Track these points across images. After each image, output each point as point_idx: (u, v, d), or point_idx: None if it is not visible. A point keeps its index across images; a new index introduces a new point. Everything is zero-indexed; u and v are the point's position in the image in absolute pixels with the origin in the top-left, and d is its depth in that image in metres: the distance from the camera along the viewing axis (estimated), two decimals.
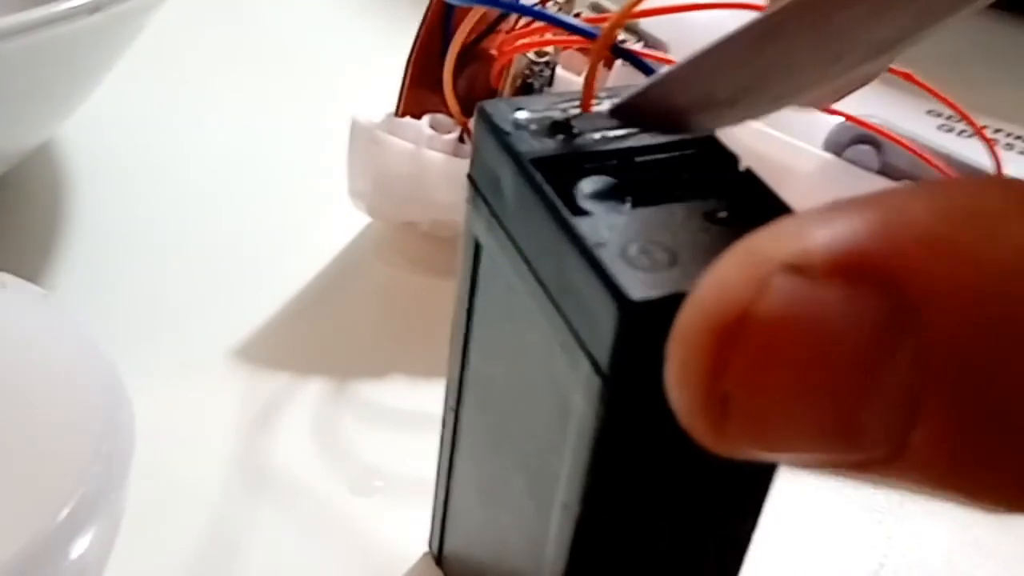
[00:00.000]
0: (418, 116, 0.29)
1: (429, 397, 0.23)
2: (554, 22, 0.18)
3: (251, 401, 0.27)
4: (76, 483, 0.17)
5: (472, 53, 0.30)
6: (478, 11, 0.28)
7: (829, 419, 0.11)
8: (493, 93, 0.29)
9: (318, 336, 0.29)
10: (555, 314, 0.16)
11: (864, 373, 0.10)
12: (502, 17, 0.30)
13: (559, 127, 0.17)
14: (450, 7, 0.29)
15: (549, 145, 0.17)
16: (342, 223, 0.32)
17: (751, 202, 0.16)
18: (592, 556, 0.17)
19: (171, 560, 0.23)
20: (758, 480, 0.17)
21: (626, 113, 0.17)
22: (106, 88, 0.31)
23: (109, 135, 0.35)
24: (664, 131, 0.17)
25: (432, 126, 0.29)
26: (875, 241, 0.11)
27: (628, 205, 0.16)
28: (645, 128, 0.17)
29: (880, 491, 0.27)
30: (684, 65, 0.16)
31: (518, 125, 0.17)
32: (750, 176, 0.17)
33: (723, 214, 0.16)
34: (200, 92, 0.39)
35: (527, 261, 0.17)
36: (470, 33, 0.28)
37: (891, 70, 0.26)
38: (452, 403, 0.21)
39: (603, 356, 0.15)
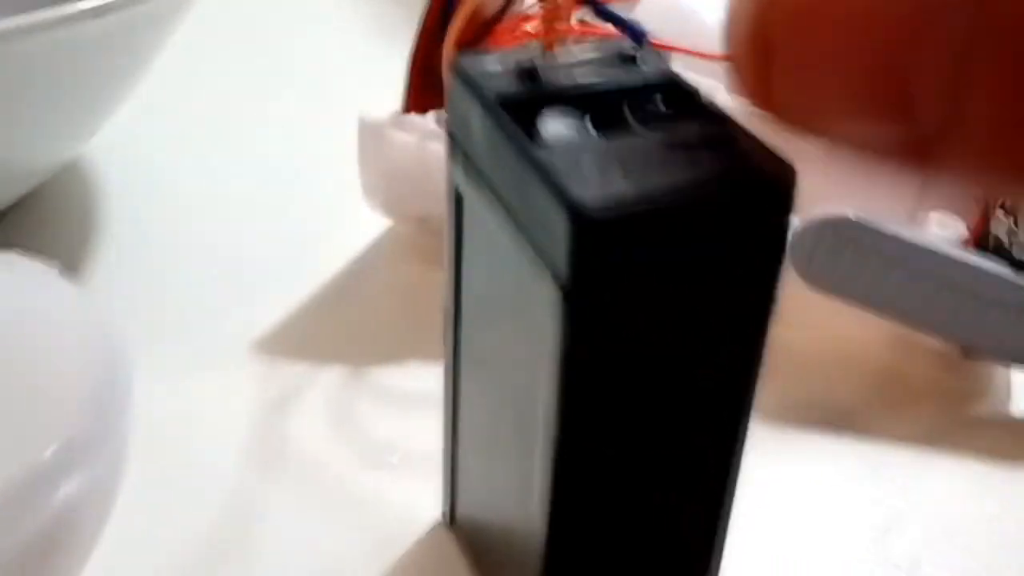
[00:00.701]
0: (423, 114, 0.30)
1: (442, 381, 0.24)
2: None
3: (271, 386, 0.28)
4: (64, 426, 0.18)
5: (474, 48, 0.31)
6: (471, 5, 0.29)
7: (879, 72, 0.10)
8: None
9: (335, 328, 0.30)
10: (524, 243, 0.17)
11: (916, 22, 0.09)
12: (501, 14, 0.31)
13: (524, 73, 0.18)
14: (448, 7, 0.30)
15: (514, 87, 0.17)
16: (360, 224, 0.33)
17: (712, 129, 0.17)
18: (576, 487, 0.18)
19: (194, 530, 0.24)
20: (736, 400, 0.18)
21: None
22: (131, 105, 0.33)
23: (137, 149, 0.37)
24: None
25: (437, 122, 0.30)
26: None
27: (588, 135, 0.17)
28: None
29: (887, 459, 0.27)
30: None
31: (487, 74, 0.18)
32: (711, 107, 0.17)
33: (682, 139, 0.16)
34: (222, 105, 0.41)
35: (498, 197, 0.17)
36: (469, 34, 0.30)
37: None
38: (450, 363, 0.22)
39: (562, 270, 0.15)
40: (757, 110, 0.11)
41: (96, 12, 0.24)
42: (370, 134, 0.30)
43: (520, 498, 0.20)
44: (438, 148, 0.30)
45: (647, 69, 0.18)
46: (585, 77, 0.18)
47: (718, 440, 0.18)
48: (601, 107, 0.17)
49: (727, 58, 0.11)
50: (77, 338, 0.20)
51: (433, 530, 0.25)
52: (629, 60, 0.18)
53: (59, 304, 0.21)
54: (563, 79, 0.18)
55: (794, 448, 0.27)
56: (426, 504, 0.25)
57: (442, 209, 0.31)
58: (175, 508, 0.24)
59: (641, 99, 0.17)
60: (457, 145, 0.19)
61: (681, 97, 0.18)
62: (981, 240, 0.29)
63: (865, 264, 0.27)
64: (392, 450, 0.27)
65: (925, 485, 0.27)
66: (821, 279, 0.28)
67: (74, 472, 0.18)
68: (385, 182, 0.30)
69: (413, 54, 0.31)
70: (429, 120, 0.30)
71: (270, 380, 0.28)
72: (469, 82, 0.18)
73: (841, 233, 0.27)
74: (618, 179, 0.15)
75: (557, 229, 0.15)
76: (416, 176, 0.30)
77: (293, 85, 0.42)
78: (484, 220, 0.18)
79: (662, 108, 0.17)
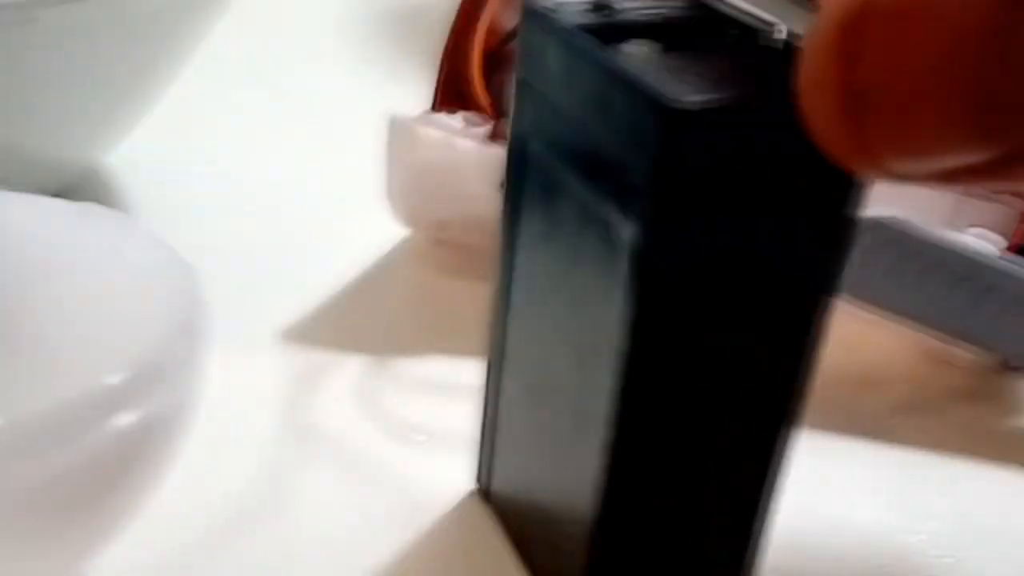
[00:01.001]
0: (451, 113, 0.31)
1: (464, 373, 0.25)
2: None
3: (300, 371, 0.28)
4: (152, 351, 0.19)
5: (502, 56, 0.32)
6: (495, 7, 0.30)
7: (970, 97, 0.10)
8: None
9: (359, 322, 0.31)
10: (599, 163, 0.17)
11: (996, 39, 0.10)
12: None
13: (599, 7, 0.18)
14: (475, 14, 0.31)
15: (591, 19, 0.18)
16: (381, 231, 0.34)
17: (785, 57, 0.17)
18: (631, 462, 0.18)
19: (229, 499, 0.24)
20: (789, 382, 0.18)
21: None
22: (160, 115, 0.34)
23: (163, 154, 0.38)
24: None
25: (465, 121, 0.31)
26: None
27: (664, 56, 0.17)
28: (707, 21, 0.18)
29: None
30: None
31: (560, 9, 0.19)
32: (786, 44, 0.18)
33: (759, 61, 0.17)
34: (248, 114, 0.42)
35: (572, 126, 0.18)
36: (496, 37, 0.31)
37: None
38: (497, 335, 0.22)
39: (649, 168, 0.16)
40: (848, 162, 0.11)
41: None
42: (400, 130, 0.30)
43: (568, 473, 0.20)
44: (464, 143, 0.30)
45: (721, 7, 0.19)
46: (657, 12, 0.18)
47: (769, 423, 0.19)
48: (676, 37, 0.18)
49: (807, 123, 0.11)
50: (158, 274, 0.21)
51: (465, 500, 0.24)
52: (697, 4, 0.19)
53: (140, 245, 0.22)
54: (636, 14, 0.18)
55: (825, 451, 0.27)
56: (456, 478, 0.25)
57: (465, 210, 0.32)
58: (215, 472, 0.24)
59: (716, 33, 0.18)
60: (527, 89, 0.19)
61: (747, 34, 0.18)
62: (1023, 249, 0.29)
63: (904, 269, 0.27)
64: (417, 430, 0.27)
65: (958, 492, 0.27)
66: (858, 284, 0.26)
67: (155, 392, 0.19)
68: (410, 179, 0.31)
69: (442, 57, 0.31)
70: (456, 119, 0.31)
71: (299, 365, 0.29)
72: (543, 18, 0.19)
73: (880, 234, 0.26)
74: (697, 85, 0.16)
75: (647, 129, 0.16)
76: (441, 172, 0.30)
77: (319, 98, 0.44)
78: (550, 168, 0.19)
79: (730, 42, 0.18)
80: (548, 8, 0.19)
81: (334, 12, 0.51)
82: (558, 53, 0.18)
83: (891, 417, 0.29)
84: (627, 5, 0.19)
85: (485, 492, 0.24)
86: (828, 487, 0.26)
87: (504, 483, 0.24)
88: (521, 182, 0.21)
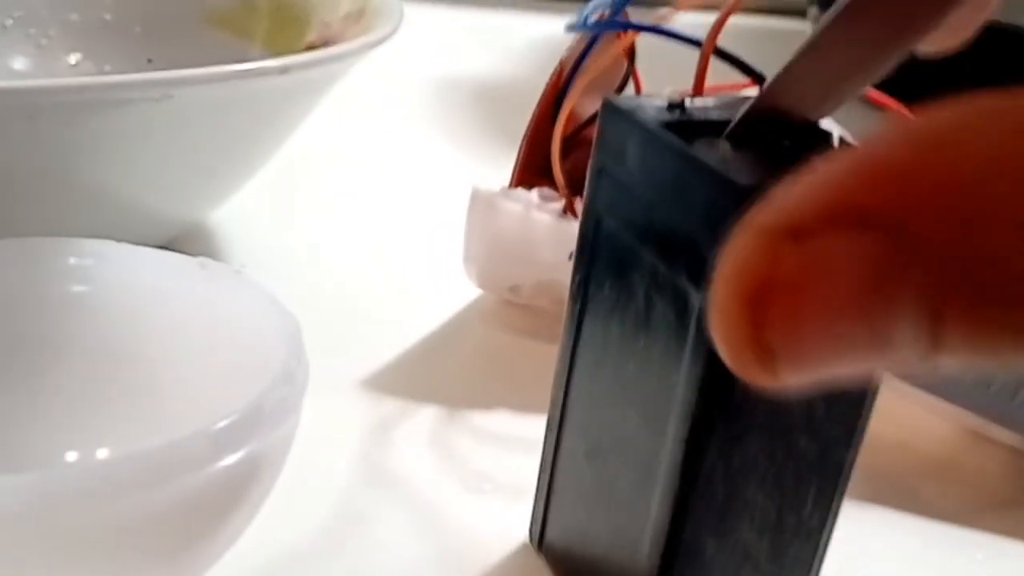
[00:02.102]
0: (529, 189, 0.34)
1: (531, 427, 0.27)
2: (662, 33, 0.23)
3: (374, 418, 0.31)
4: (245, 398, 0.21)
5: (576, 140, 0.34)
6: (577, 96, 0.33)
7: (864, 342, 0.12)
8: None
9: (431, 376, 0.33)
10: (672, 238, 0.20)
11: (882, 298, 0.12)
12: (592, 119, 0.35)
13: (674, 107, 0.21)
14: (560, 100, 0.34)
15: (667, 116, 0.21)
16: (454, 293, 0.37)
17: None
18: (693, 521, 0.20)
19: (303, 536, 0.27)
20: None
21: (749, 120, 0.20)
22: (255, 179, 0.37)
23: (262, 212, 0.41)
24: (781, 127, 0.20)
25: (541, 198, 0.34)
26: (852, 186, 0.12)
27: (729, 149, 0.20)
28: (769, 129, 0.20)
29: None
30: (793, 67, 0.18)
31: (640, 108, 0.21)
32: (843, 141, 0.20)
33: (815, 154, 0.19)
34: (343, 179, 0.47)
35: (648, 208, 0.20)
36: (574, 123, 0.33)
37: None
38: (559, 392, 0.24)
39: (719, 241, 0.18)
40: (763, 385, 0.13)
41: (282, 69, 0.28)
42: (481, 201, 0.33)
43: (628, 527, 0.22)
44: (539, 216, 0.33)
45: None
46: (727, 113, 0.21)
47: (828, 484, 0.21)
48: (746, 138, 0.20)
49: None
50: (264, 325, 0.23)
51: (520, 550, 0.27)
52: None
53: (248, 297, 0.24)
54: (708, 114, 0.21)
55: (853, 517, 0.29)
56: (514, 526, 0.27)
57: (538, 276, 0.35)
58: (293, 508, 0.26)
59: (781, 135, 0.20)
60: (603, 177, 0.22)
61: (815, 134, 0.20)
62: None
63: None
64: (485, 478, 0.29)
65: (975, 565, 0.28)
66: None
67: (256, 436, 0.21)
68: (487, 247, 0.34)
69: (525, 139, 0.34)
70: (533, 194, 0.34)
71: (374, 413, 0.31)
72: (624, 114, 0.21)
73: None
74: (761, 170, 0.18)
75: (719, 203, 0.18)
76: (517, 240, 0.33)
77: (410, 168, 0.49)
78: (622, 237, 0.21)
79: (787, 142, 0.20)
80: (629, 106, 0.21)
81: (429, 92, 0.57)
82: (638, 145, 0.21)
83: (922, 486, 0.31)
84: (698, 104, 0.21)
85: (539, 543, 0.26)
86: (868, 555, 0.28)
87: (558, 535, 0.26)
88: (593, 254, 0.23)
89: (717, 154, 0.19)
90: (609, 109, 0.22)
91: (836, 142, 0.20)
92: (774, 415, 0.20)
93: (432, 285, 0.38)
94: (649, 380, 0.21)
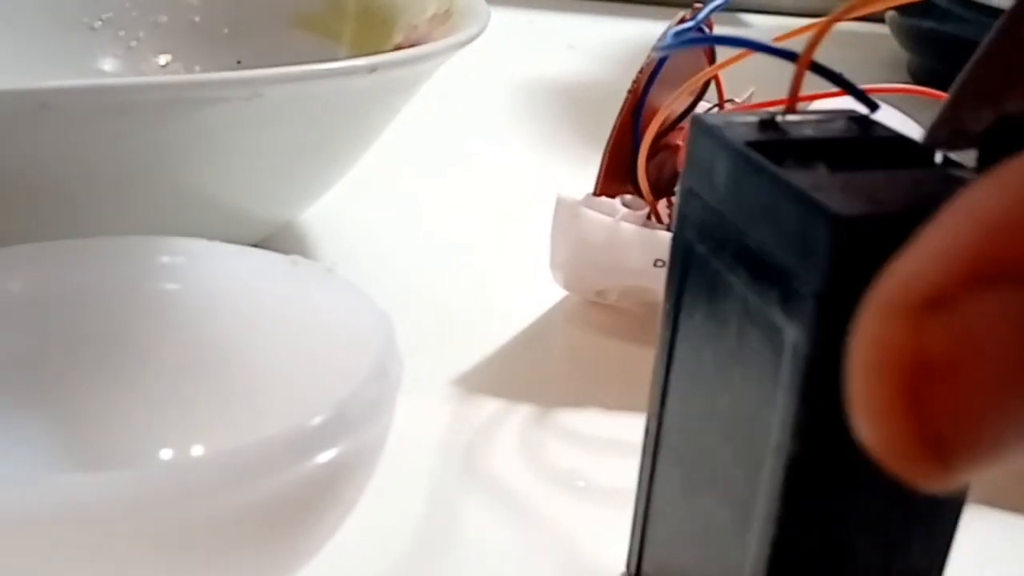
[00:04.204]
0: (612, 197, 0.34)
1: (624, 427, 0.27)
2: (755, 47, 0.22)
3: (467, 418, 0.32)
4: (339, 395, 0.21)
5: (659, 145, 0.34)
6: (664, 111, 0.33)
7: None
8: (677, 177, 0.33)
9: (521, 375, 0.34)
10: (764, 268, 0.19)
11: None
12: (685, 115, 0.35)
13: (766, 124, 0.21)
14: (640, 108, 0.34)
15: (759, 135, 0.20)
16: (540, 293, 0.38)
17: (945, 178, 0.19)
18: (797, 547, 0.19)
19: (394, 540, 0.27)
20: None
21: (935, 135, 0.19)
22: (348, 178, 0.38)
23: (354, 211, 0.43)
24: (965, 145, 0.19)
25: (625, 204, 0.34)
26: (981, 241, 0.11)
27: (825, 172, 0.19)
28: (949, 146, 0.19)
29: None
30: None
31: (729, 126, 0.21)
32: (946, 161, 0.19)
33: (917, 177, 0.19)
34: (434, 182, 0.48)
35: (738, 233, 0.20)
36: (658, 128, 0.33)
37: None
38: (653, 420, 0.24)
39: (816, 276, 0.17)
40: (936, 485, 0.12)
41: (370, 68, 0.28)
42: (566, 210, 0.33)
43: (725, 564, 0.21)
44: (625, 226, 0.33)
45: (879, 128, 0.21)
46: (821, 131, 0.21)
47: (936, 528, 0.20)
48: (841, 155, 0.20)
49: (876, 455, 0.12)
50: (358, 323, 0.24)
51: None
52: (860, 121, 0.21)
53: (341, 295, 0.25)
54: (801, 132, 0.20)
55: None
56: (612, 552, 0.26)
57: (623, 283, 0.35)
58: (386, 508, 0.27)
59: (878, 152, 0.20)
60: (693, 198, 0.21)
61: (915, 150, 0.20)
62: None
63: None
64: (579, 476, 0.29)
65: None
66: None
67: (350, 433, 0.21)
68: (573, 254, 0.34)
69: (608, 147, 0.34)
70: (617, 203, 0.34)
71: (467, 413, 0.32)
72: (713, 133, 0.21)
73: None
74: (861, 198, 0.17)
75: (815, 239, 0.17)
76: (602, 249, 0.33)
77: (500, 172, 0.50)
78: (713, 264, 0.21)
79: (886, 158, 0.20)
80: (718, 124, 0.21)
81: (520, 95, 0.58)
82: (727, 165, 0.20)
83: None
84: (792, 121, 0.21)
85: (636, 574, 0.25)
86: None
87: (655, 568, 0.25)
88: (684, 277, 0.22)
89: (812, 178, 0.18)
90: (698, 127, 0.21)
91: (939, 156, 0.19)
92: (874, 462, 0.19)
93: (518, 286, 0.39)
94: (743, 416, 0.20)
